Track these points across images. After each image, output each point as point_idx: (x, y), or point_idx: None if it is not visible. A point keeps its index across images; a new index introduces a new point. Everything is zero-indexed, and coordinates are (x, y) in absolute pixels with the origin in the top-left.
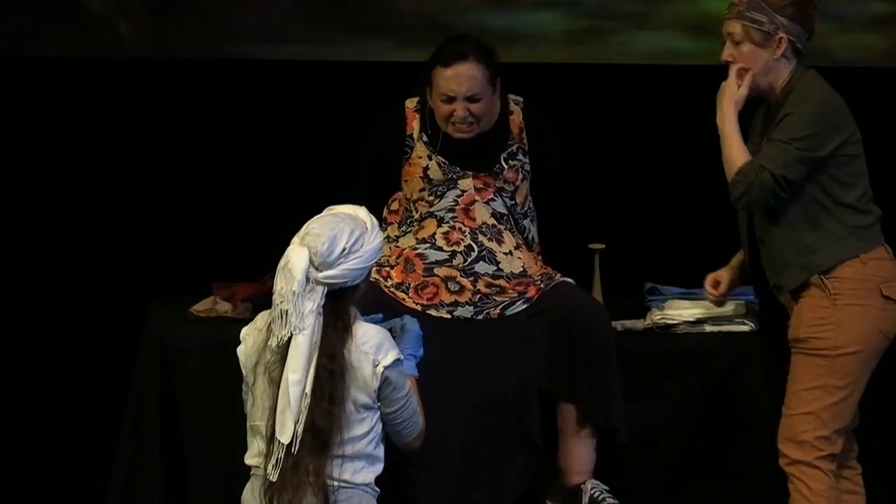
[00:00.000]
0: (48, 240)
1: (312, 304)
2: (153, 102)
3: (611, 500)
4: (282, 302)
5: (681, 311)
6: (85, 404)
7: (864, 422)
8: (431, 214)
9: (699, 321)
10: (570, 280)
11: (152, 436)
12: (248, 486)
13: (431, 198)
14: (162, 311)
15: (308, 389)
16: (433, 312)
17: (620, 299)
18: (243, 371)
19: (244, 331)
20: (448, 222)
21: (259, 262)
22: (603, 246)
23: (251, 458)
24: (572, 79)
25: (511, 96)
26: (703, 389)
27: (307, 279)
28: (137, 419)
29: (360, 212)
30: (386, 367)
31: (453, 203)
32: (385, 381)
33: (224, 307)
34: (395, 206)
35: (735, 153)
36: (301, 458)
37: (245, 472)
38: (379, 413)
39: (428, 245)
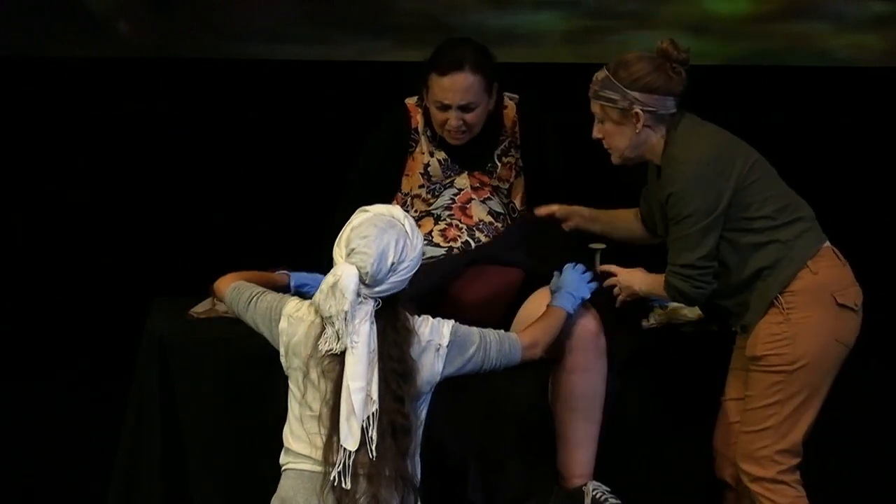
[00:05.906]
0: (48, 239)
1: (363, 314)
2: (153, 102)
3: (614, 501)
4: (335, 322)
5: (684, 311)
6: (85, 404)
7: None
8: (428, 213)
9: (702, 321)
10: None
11: (153, 436)
12: (290, 483)
13: (428, 196)
14: (162, 312)
15: (374, 395)
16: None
17: None
18: (283, 351)
19: (289, 308)
20: (445, 220)
21: (259, 262)
22: (603, 246)
23: (301, 447)
24: (572, 79)
25: (507, 94)
26: (705, 389)
27: (358, 295)
28: (137, 419)
29: (396, 212)
30: (448, 345)
31: (450, 201)
32: (449, 354)
33: (223, 307)
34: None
35: (658, 287)
36: (382, 465)
37: (245, 472)
38: (424, 402)
39: (425, 242)
